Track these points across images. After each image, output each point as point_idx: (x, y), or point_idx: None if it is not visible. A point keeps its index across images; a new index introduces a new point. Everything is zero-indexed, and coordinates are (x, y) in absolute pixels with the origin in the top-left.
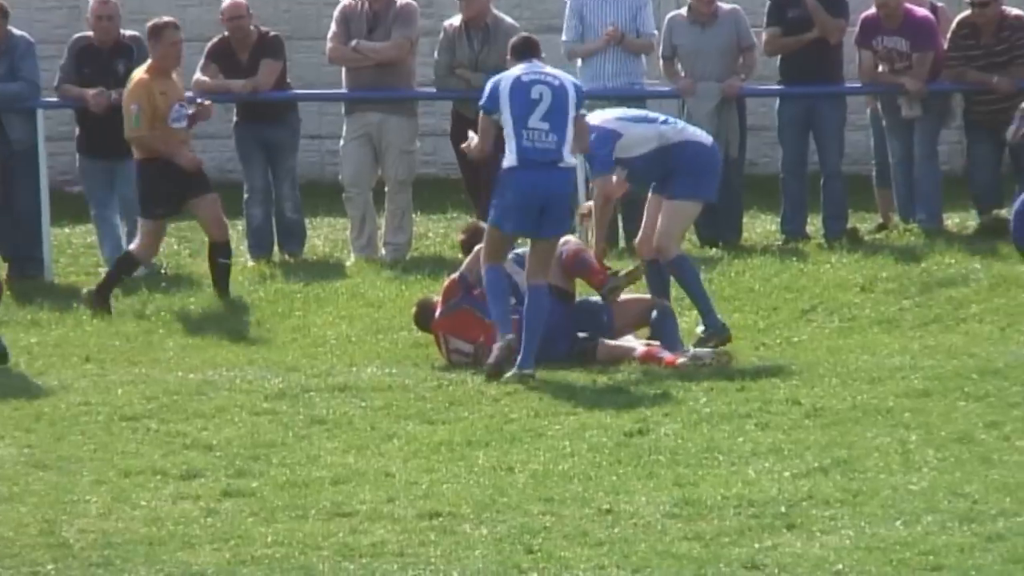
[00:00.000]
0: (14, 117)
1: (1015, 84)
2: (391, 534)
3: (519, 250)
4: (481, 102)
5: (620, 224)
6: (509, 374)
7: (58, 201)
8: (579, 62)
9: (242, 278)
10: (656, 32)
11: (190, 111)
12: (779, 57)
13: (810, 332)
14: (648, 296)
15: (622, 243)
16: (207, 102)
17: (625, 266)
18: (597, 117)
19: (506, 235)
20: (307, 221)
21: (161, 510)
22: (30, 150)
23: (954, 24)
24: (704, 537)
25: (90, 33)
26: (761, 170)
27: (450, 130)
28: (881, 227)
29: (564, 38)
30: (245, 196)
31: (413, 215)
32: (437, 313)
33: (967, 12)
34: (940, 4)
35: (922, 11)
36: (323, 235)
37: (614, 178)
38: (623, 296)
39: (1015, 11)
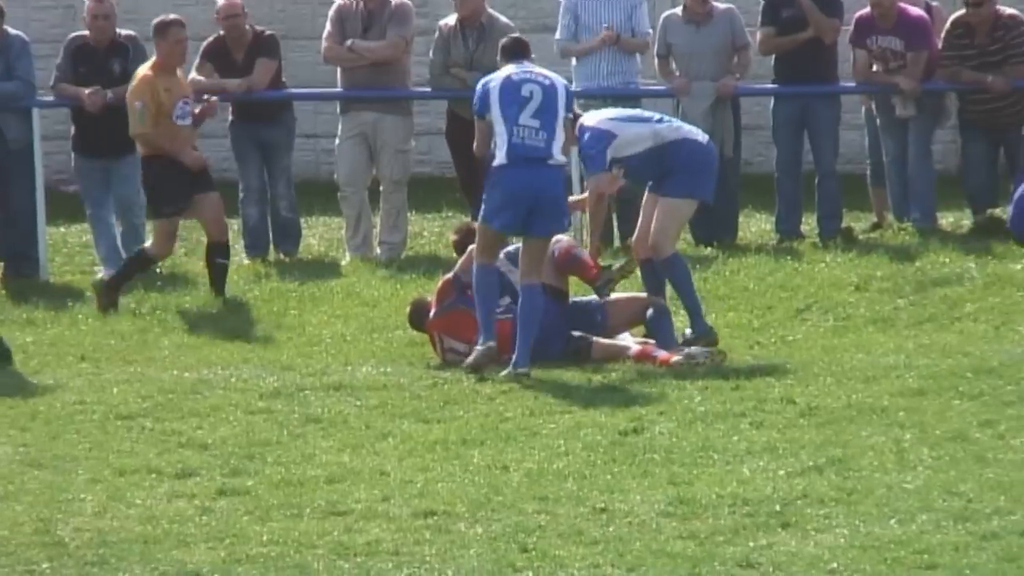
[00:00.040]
0: (10, 116)
1: (1010, 83)
2: (386, 533)
3: (511, 247)
4: (474, 106)
5: (615, 223)
6: (504, 373)
7: (54, 200)
8: (573, 61)
9: (237, 277)
10: (651, 31)
11: (197, 109)
12: (773, 56)
13: (805, 331)
14: (643, 295)
15: (617, 242)
16: (213, 98)
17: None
18: (592, 117)
19: (497, 232)
20: (302, 220)
21: (156, 509)
22: (26, 149)
23: (948, 23)
24: (699, 536)
25: (86, 32)
26: (756, 169)
27: (445, 129)
28: (875, 226)
29: (558, 37)
30: (240, 195)
31: (408, 214)
32: (431, 313)
33: (961, 11)
34: (935, 3)
35: (916, 10)
36: (318, 234)
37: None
38: (618, 295)
39: (1009, 10)
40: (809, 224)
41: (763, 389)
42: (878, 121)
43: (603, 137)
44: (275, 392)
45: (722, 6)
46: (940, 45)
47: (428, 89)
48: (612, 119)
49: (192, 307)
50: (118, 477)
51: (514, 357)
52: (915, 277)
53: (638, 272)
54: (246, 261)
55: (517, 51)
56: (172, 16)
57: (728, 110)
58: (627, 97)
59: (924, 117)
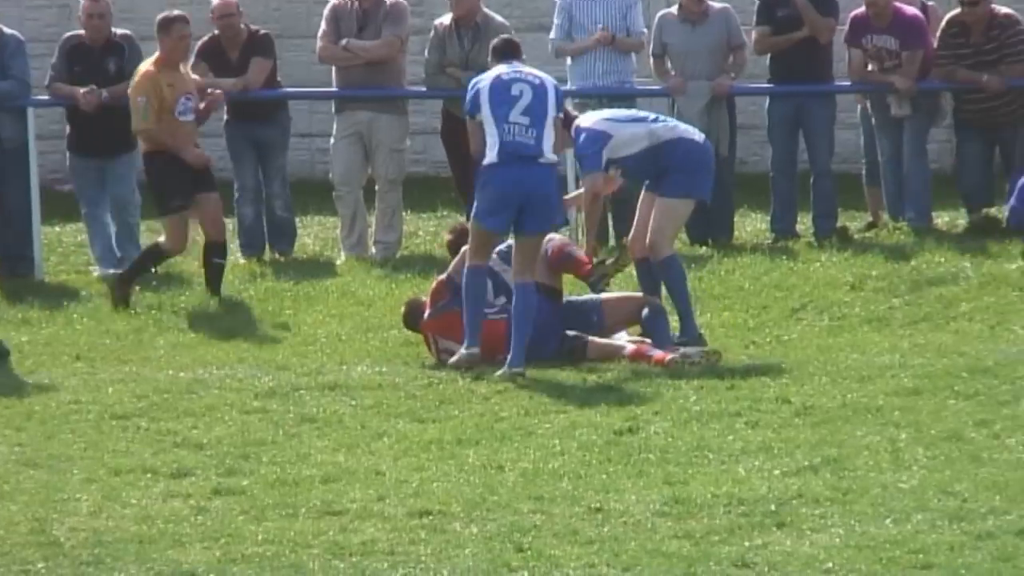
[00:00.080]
0: (4, 116)
1: (1005, 83)
2: (381, 532)
3: (503, 246)
4: (465, 107)
5: (610, 222)
6: (499, 373)
7: (49, 200)
8: (568, 60)
9: (233, 276)
10: (646, 31)
11: (202, 104)
12: (769, 56)
13: (800, 331)
14: (639, 295)
15: (612, 242)
16: (217, 91)
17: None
18: (588, 119)
19: (489, 232)
20: (297, 220)
21: (151, 508)
22: (20, 149)
23: (944, 23)
24: (694, 535)
25: (81, 32)
26: (751, 169)
27: (440, 129)
28: (871, 226)
29: (552, 36)
30: (236, 195)
31: (403, 213)
32: (426, 314)
33: (957, 11)
34: (931, 3)
35: (911, 10)
36: (313, 234)
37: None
38: (614, 294)
39: (1005, 10)
40: (804, 223)
41: (758, 389)
42: (873, 120)
43: (599, 138)
44: (270, 392)
45: (718, 5)
46: (935, 44)
47: (423, 88)
48: (607, 119)
49: (187, 307)
50: (113, 477)
51: (509, 357)
52: (910, 276)
53: (634, 272)
54: (241, 260)
55: (508, 52)
56: (176, 12)
57: (723, 109)
58: (622, 96)
59: (919, 116)
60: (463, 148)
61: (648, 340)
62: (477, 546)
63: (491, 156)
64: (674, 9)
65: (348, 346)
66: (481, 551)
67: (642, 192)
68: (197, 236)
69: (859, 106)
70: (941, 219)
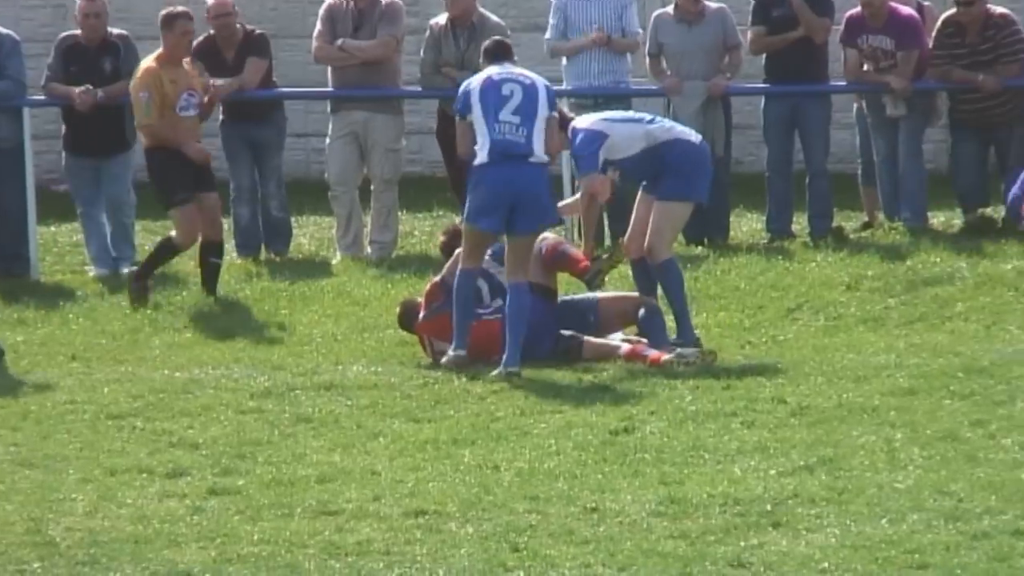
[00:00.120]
0: (0, 116)
1: (1000, 82)
2: (377, 532)
3: (496, 246)
4: (455, 107)
5: (606, 221)
6: (494, 372)
7: (44, 200)
8: (564, 60)
9: (228, 276)
10: (641, 31)
11: (206, 98)
12: (764, 56)
13: (796, 330)
14: (635, 294)
15: (607, 241)
16: (218, 82)
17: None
18: (584, 120)
19: (482, 232)
20: (293, 219)
21: (147, 508)
22: (16, 149)
23: (939, 23)
24: (690, 535)
25: (77, 32)
26: (747, 169)
27: (436, 128)
28: (866, 225)
29: (547, 36)
30: (232, 195)
31: (399, 213)
32: (420, 316)
33: (952, 11)
34: (927, 3)
35: (907, 10)
36: (309, 233)
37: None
38: (610, 293)
39: (1000, 10)
40: (800, 223)
41: (754, 389)
42: (869, 120)
43: (595, 138)
44: (266, 392)
45: (714, 5)
46: (931, 44)
47: (419, 88)
48: (604, 120)
49: (183, 306)
50: (109, 477)
51: (504, 357)
52: (906, 276)
53: (630, 272)
54: (238, 261)
55: (499, 53)
56: (180, 8)
57: (719, 109)
58: (618, 97)
59: (915, 116)
60: None
61: (644, 340)
62: (473, 546)
63: (482, 156)
64: (670, 9)
65: (344, 346)
66: (477, 551)
67: (639, 192)
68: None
69: (855, 106)
70: (937, 219)
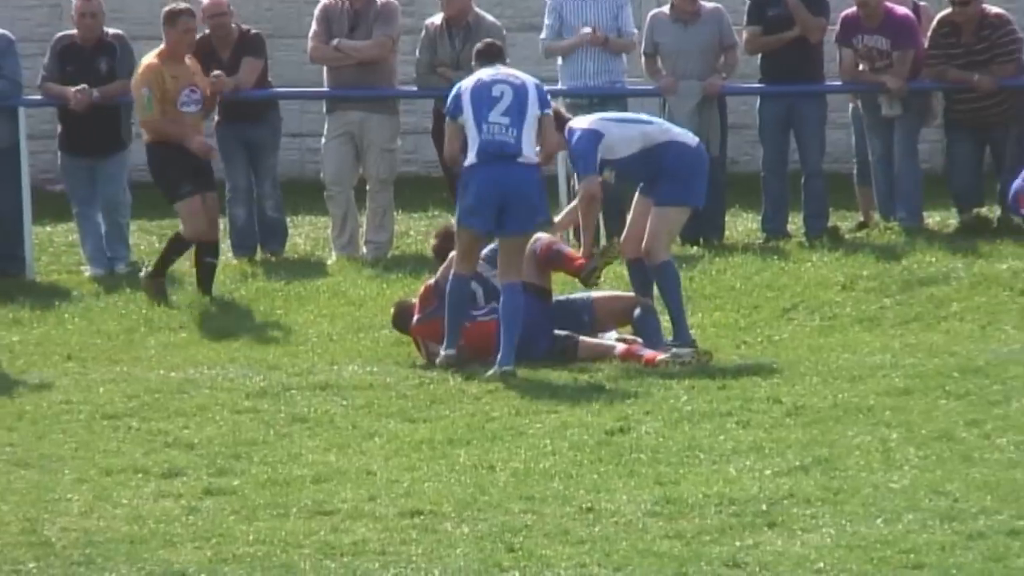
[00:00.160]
0: None
1: (996, 82)
2: (372, 532)
3: (488, 249)
4: (446, 108)
5: (602, 221)
6: (490, 372)
7: (40, 200)
8: (559, 60)
9: (224, 277)
10: (636, 31)
11: (208, 91)
12: (760, 55)
13: (791, 330)
14: (629, 294)
15: (602, 240)
16: (217, 72)
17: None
18: (581, 120)
19: (474, 234)
20: (288, 220)
21: (143, 508)
22: (12, 148)
23: (934, 22)
24: (685, 535)
25: (73, 32)
26: (742, 168)
27: (431, 128)
28: (862, 225)
29: (543, 37)
30: (227, 196)
31: (394, 213)
32: (415, 318)
33: (948, 10)
34: (923, 3)
35: (902, 9)
36: (304, 233)
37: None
38: (604, 293)
39: (995, 9)
40: (795, 223)
41: (749, 388)
42: (864, 120)
43: (592, 137)
44: (261, 391)
45: (709, 5)
46: (926, 44)
47: (414, 88)
48: (600, 119)
49: (179, 306)
50: (104, 477)
51: (499, 356)
52: (901, 276)
53: (626, 272)
54: (233, 261)
55: (491, 55)
56: (183, 4)
57: (715, 109)
58: (613, 96)
59: (910, 116)
60: None
61: (639, 340)
62: (468, 546)
63: (471, 157)
64: (666, 9)
65: (339, 346)
66: (472, 551)
67: (636, 193)
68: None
69: (850, 106)
70: (932, 219)
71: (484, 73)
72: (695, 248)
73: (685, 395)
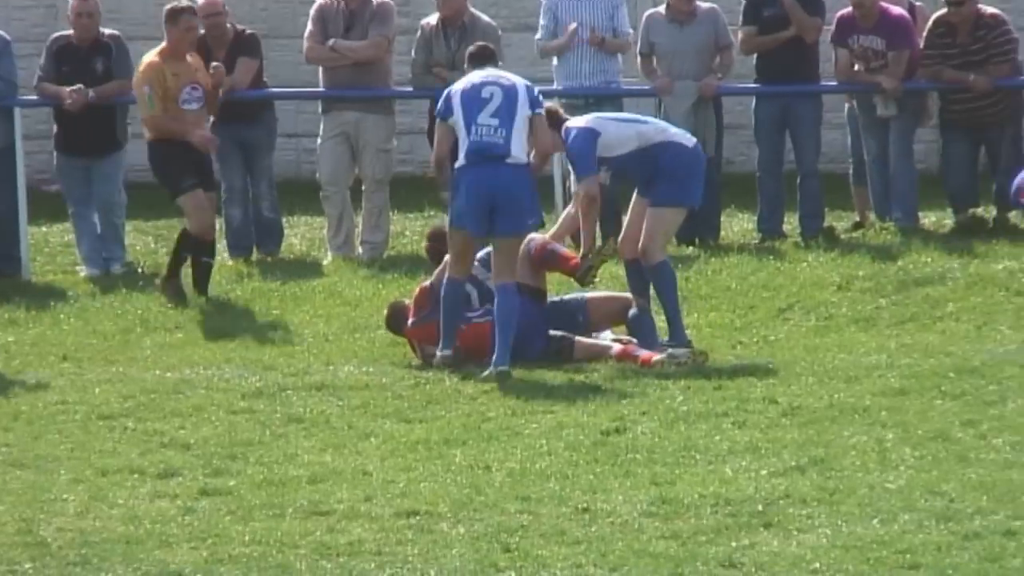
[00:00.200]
0: None
1: (991, 83)
2: (368, 533)
3: (483, 253)
4: (437, 110)
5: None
6: (485, 372)
7: (35, 200)
8: (554, 61)
9: (220, 277)
10: (631, 31)
11: (209, 84)
12: (755, 56)
13: (787, 331)
14: (624, 294)
15: (598, 240)
16: (216, 63)
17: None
18: (577, 120)
19: (466, 236)
20: (284, 220)
21: (138, 509)
22: (7, 149)
23: (930, 23)
24: (681, 536)
25: (69, 32)
26: (738, 168)
27: (427, 129)
28: (857, 225)
29: (538, 37)
30: (223, 196)
31: (390, 214)
32: (409, 322)
33: (943, 11)
34: (918, 3)
35: (898, 10)
36: (300, 234)
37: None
38: (599, 293)
39: (991, 10)
40: (791, 223)
41: (745, 389)
42: (860, 120)
43: (589, 135)
44: (257, 392)
45: (705, 5)
46: (922, 44)
47: (410, 88)
48: (597, 118)
49: (174, 307)
50: (100, 477)
51: (494, 356)
52: (897, 277)
53: (622, 272)
54: (229, 261)
55: (483, 58)
56: (185, 2)
57: (710, 109)
58: (609, 96)
59: (905, 116)
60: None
61: (634, 340)
62: (464, 546)
63: (461, 158)
64: (662, 9)
65: (335, 346)
66: (468, 551)
67: (634, 195)
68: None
69: (846, 106)
70: (928, 219)
71: (475, 75)
72: (691, 248)
73: (681, 395)
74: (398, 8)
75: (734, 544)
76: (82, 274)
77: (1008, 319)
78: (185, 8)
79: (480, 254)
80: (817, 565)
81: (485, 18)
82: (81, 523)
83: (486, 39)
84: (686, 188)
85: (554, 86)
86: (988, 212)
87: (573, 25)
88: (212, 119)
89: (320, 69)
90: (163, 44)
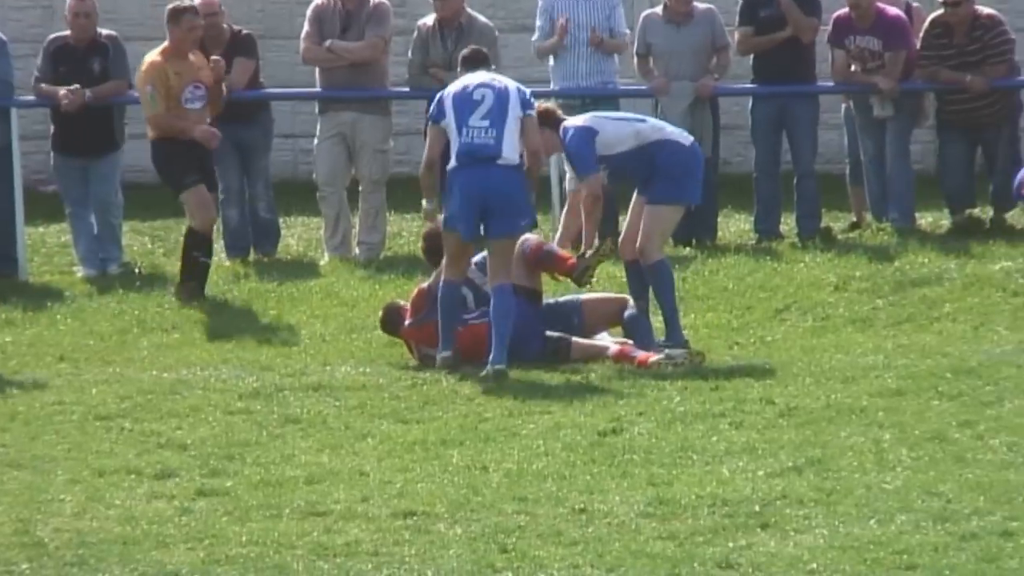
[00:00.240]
0: None
1: (988, 83)
2: (365, 533)
3: (478, 257)
4: (429, 113)
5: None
6: (483, 373)
7: (32, 200)
8: (551, 61)
9: (217, 277)
10: (628, 31)
11: (211, 80)
12: (752, 56)
13: (784, 331)
14: (619, 295)
15: (597, 240)
16: (215, 57)
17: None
18: (575, 119)
19: (459, 235)
20: (281, 220)
21: (135, 509)
22: (4, 149)
23: (926, 23)
24: (678, 536)
25: (66, 33)
26: (735, 169)
27: (424, 129)
28: (854, 226)
29: (534, 38)
30: (220, 197)
31: (387, 214)
32: (406, 322)
33: (940, 11)
34: (915, 4)
35: (894, 10)
36: (297, 234)
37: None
38: (594, 295)
39: (987, 10)
40: (788, 224)
41: (742, 389)
42: (856, 121)
43: (586, 134)
44: (254, 392)
45: (702, 6)
46: (918, 45)
47: (407, 89)
48: (593, 116)
49: (171, 307)
50: (97, 478)
51: (491, 356)
52: (894, 277)
53: (618, 272)
54: (226, 262)
55: (476, 61)
56: (187, 2)
57: (707, 110)
58: (605, 97)
59: (902, 117)
60: (446, 149)
61: (630, 341)
62: (461, 547)
63: (452, 160)
64: (659, 9)
65: (332, 347)
66: (465, 552)
67: (634, 195)
68: (180, 236)
69: (843, 106)
70: (924, 220)
71: (468, 78)
72: (688, 249)
73: (678, 396)
74: (395, 9)
75: (731, 545)
76: (79, 274)
77: (1005, 320)
78: (187, 8)
79: (476, 258)
80: (814, 566)
81: (482, 19)
82: (78, 523)
83: (483, 40)
84: (683, 186)
85: (551, 87)
86: (985, 213)
87: (563, 19)
88: (209, 119)
89: (317, 70)
90: (165, 43)
